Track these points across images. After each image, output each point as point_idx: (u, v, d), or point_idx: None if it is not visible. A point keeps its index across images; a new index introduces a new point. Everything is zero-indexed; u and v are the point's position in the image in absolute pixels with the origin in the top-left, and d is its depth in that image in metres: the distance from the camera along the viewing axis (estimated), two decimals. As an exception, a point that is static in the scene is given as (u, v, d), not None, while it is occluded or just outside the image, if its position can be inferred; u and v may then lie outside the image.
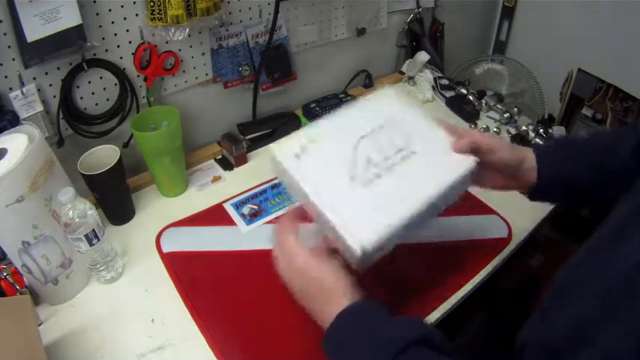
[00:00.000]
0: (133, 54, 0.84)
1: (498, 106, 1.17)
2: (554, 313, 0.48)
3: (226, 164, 1.00)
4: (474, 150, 0.60)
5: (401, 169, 0.56)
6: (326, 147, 0.57)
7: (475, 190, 0.88)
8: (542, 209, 0.86)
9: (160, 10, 0.78)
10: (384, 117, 0.61)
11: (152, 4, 0.78)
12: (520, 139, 1.03)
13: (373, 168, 0.55)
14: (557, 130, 1.06)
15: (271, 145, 0.57)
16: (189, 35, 0.84)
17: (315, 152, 0.56)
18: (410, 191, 0.53)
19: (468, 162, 0.58)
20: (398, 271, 0.72)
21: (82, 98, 0.82)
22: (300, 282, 0.53)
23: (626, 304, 0.38)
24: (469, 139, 0.60)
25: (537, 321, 0.50)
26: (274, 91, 1.10)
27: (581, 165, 0.62)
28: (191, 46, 0.91)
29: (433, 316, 0.69)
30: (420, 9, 1.28)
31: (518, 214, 0.84)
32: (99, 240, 0.69)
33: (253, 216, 0.86)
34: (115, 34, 0.81)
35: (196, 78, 0.96)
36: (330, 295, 0.50)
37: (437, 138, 0.61)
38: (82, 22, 0.73)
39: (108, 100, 0.86)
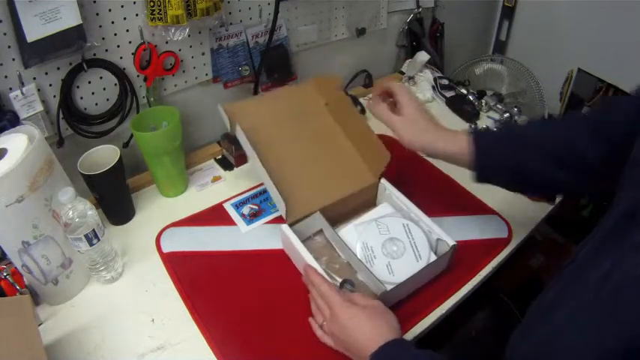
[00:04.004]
0: (133, 54, 0.84)
1: (498, 106, 1.17)
2: (535, 328, 0.48)
3: (226, 164, 1.00)
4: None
5: None
6: None
7: (475, 190, 0.89)
8: (542, 209, 0.86)
9: (160, 10, 0.78)
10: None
11: (152, 4, 0.78)
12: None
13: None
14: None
15: None
16: (189, 35, 0.84)
17: None
18: None
19: None
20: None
21: (82, 98, 0.82)
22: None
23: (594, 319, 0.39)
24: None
25: (519, 335, 0.51)
26: (274, 91, 1.10)
27: (532, 157, 0.62)
28: (191, 46, 0.91)
29: (433, 316, 0.69)
30: (420, 9, 1.28)
31: (518, 214, 0.84)
32: (99, 240, 0.69)
33: (253, 216, 0.86)
34: (115, 34, 0.81)
35: (196, 78, 0.96)
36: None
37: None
38: (82, 22, 0.73)
39: (108, 100, 0.86)
